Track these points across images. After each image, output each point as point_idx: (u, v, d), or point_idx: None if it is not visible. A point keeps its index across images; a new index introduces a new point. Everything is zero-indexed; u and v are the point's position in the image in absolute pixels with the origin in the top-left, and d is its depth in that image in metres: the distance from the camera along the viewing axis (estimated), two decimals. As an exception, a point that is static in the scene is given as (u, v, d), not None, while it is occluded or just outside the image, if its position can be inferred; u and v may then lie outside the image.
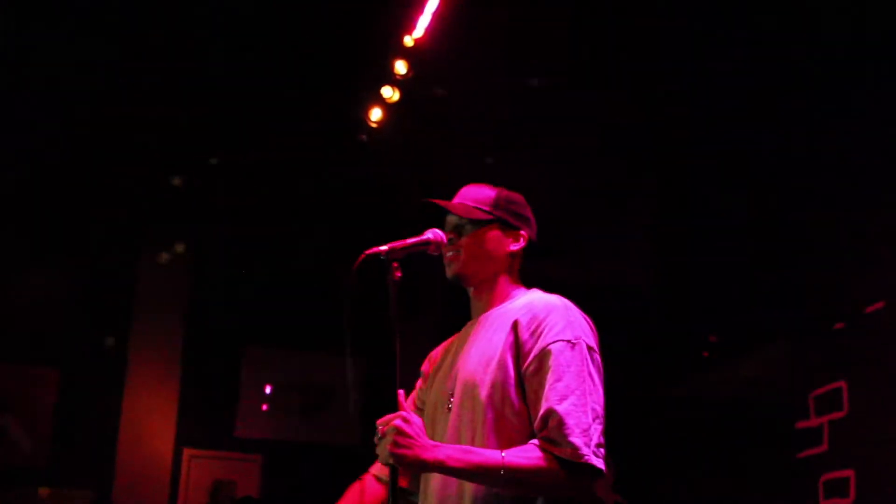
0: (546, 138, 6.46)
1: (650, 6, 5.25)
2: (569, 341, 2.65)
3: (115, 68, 6.24)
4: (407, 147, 6.65)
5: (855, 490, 5.55)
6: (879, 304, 5.52)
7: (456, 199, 3.00)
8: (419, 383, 3.15)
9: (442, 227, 2.95)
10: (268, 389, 8.94)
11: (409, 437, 2.51)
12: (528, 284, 2.99)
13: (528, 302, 2.79)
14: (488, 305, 2.92)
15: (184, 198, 8.01)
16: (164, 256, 8.75)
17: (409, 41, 5.69)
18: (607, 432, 2.63)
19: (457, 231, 2.92)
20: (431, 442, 2.57)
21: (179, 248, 8.73)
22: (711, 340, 7.53)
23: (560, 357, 2.62)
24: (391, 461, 2.53)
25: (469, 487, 2.63)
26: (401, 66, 5.92)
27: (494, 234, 2.93)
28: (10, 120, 6.70)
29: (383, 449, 2.54)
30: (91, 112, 6.70)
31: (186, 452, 8.57)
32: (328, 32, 5.71)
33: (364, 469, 3.17)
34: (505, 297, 2.90)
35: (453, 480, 2.65)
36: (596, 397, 2.61)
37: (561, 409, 2.54)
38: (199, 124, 6.80)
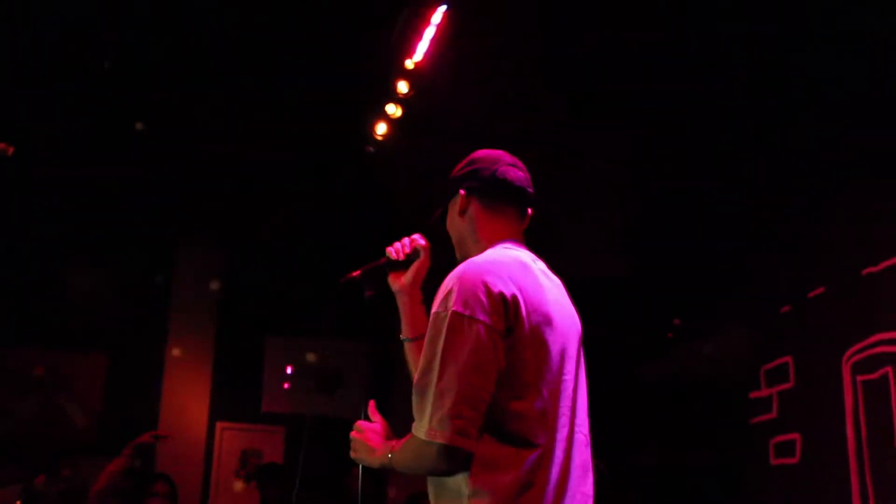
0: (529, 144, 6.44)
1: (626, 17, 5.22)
2: (439, 311, 2.26)
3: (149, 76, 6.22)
4: (409, 157, 6.65)
5: (800, 451, 5.57)
6: (820, 290, 5.54)
7: None
8: None
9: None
10: (289, 370, 8.95)
11: (360, 442, 2.56)
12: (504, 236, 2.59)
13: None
14: None
15: (214, 202, 8.02)
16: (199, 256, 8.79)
17: (409, 64, 5.70)
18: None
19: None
20: (378, 444, 2.51)
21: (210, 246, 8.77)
22: (675, 324, 7.53)
23: (429, 330, 2.28)
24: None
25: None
26: (403, 86, 5.92)
27: (449, 215, 2.68)
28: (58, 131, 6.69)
29: None
30: (132, 126, 6.69)
31: (219, 425, 8.60)
32: (338, 55, 5.71)
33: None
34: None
35: None
36: (455, 366, 2.17)
37: (414, 386, 2.29)
38: (224, 133, 6.78)
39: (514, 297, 2.26)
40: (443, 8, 5.20)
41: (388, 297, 2.83)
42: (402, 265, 2.81)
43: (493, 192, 2.59)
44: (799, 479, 5.55)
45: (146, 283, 8.65)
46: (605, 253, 7.40)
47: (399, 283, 2.81)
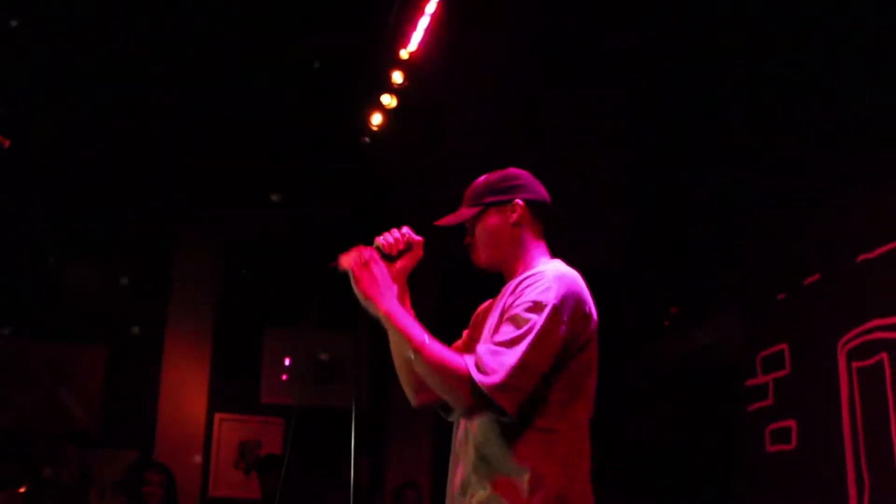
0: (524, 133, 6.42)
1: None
2: (534, 302, 2.47)
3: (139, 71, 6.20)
4: (405, 147, 6.63)
5: (796, 437, 5.56)
6: (816, 277, 5.52)
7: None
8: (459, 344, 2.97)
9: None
10: (287, 362, 8.93)
11: (373, 275, 2.62)
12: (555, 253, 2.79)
13: (535, 270, 2.62)
14: (511, 277, 2.73)
15: (213, 194, 8.01)
16: (198, 248, 8.77)
17: (404, 54, 5.67)
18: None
19: (468, 231, 2.83)
20: (390, 290, 2.61)
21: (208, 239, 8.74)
22: (672, 311, 7.52)
23: (521, 313, 2.47)
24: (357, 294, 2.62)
25: (472, 437, 2.56)
26: (398, 76, 5.89)
27: (491, 219, 2.76)
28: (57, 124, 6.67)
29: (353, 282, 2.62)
30: (129, 119, 6.67)
31: (217, 416, 8.58)
32: (333, 46, 5.68)
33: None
34: (526, 267, 2.70)
35: (463, 430, 2.63)
36: (535, 351, 2.42)
37: (493, 344, 2.45)
38: (223, 124, 6.76)
39: (588, 315, 2.56)
40: (436, -2, 5.18)
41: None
42: (390, 257, 2.80)
43: (541, 208, 2.80)
44: (795, 465, 5.54)
45: (145, 275, 8.63)
46: (602, 243, 7.39)
47: (391, 273, 2.77)
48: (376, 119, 6.33)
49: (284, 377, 8.86)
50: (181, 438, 8.27)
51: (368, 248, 2.71)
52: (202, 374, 8.59)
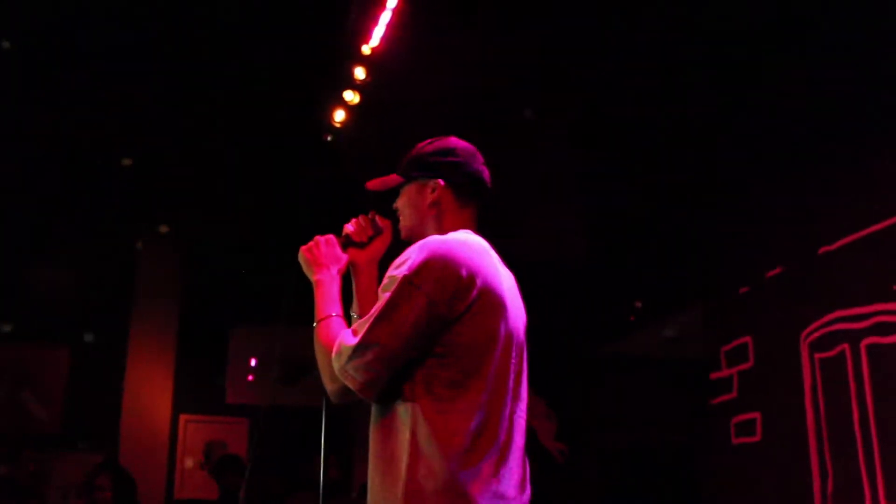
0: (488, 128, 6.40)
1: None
2: (389, 277, 2.36)
3: (110, 70, 6.13)
4: (368, 144, 6.59)
5: (761, 429, 5.58)
6: (778, 270, 5.54)
7: None
8: None
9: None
10: (253, 362, 8.88)
11: (319, 250, 2.68)
12: (472, 226, 2.64)
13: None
14: None
15: (175, 195, 7.94)
16: (161, 246, 8.69)
17: (366, 50, 5.63)
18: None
19: (396, 200, 2.77)
20: (330, 266, 2.67)
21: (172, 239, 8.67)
22: (636, 306, 7.53)
23: (378, 291, 2.41)
24: (299, 256, 2.70)
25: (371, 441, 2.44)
26: (360, 72, 5.85)
27: (411, 193, 2.68)
28: (18, 126, 6.58)
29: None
30: (89, 115, 6.59)
31: (182, 418, 8.54)
32: (294, 42, 5.64)
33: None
34: None
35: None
36: (381, 327, 2.28)
37: (361, 320, 2.37)
38: (184, 124, 6.70)
39: (470, 280, 2.33)
40: (398, -9, 5.14)
41: (345, 277, 2.78)
42: (361, 244, 2.79)
43: (467, 188, 2.66)
44: (760, 457, 5.56)
45: (108, 275, 8.55)
46: (564, 237, 7.39)
47: (359, 259, 2.78)
48: (339, 116, 6.28)
49: (251, 378, 8.81)
50: (146, 440, 8.20)
51: (330, 235, 2.72)
52: (167, 374, 8.52)
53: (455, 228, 2.59)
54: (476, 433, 2.27)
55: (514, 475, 2.34)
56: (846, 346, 4.81)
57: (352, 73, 5.86)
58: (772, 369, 5.56)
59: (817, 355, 5.08)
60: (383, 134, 6.61)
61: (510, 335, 2.44)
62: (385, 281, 2.38)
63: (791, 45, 5.29)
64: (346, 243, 2.76)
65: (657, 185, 6.49)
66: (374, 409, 2.43)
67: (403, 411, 2.31)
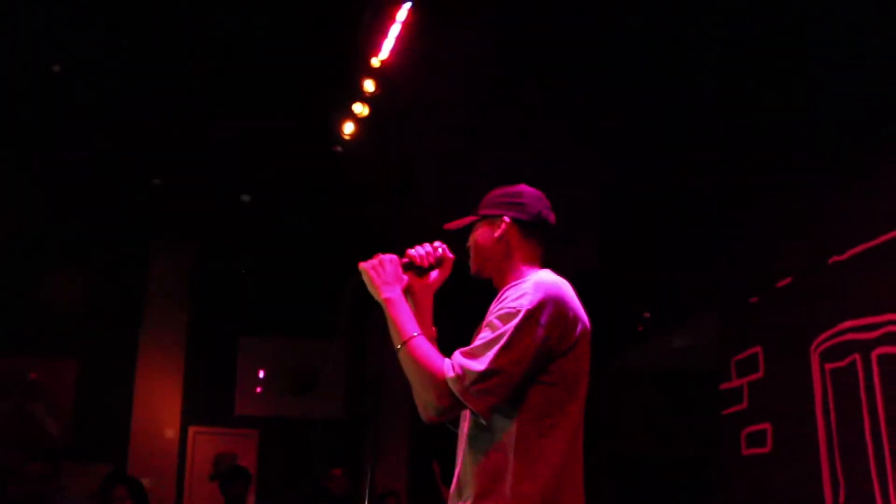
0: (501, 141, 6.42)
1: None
2: (510, 309, 2.53)
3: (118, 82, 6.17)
4: (378, 155, 6.62)
5: (772, 440, 5.58)
6: (788, 280, 5.55)
7: None
8: None
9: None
10: (261, 373, 8.89)
11: (383, 269, 2.73)
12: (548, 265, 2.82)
13: (518, 282, 2.67)
14: (499, 289, 2.74)
15: (186, 207, 7.97)
16: (170, 259, 8.73)
17: (375, 62, 5.66)
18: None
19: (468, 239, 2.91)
20: (395, 284, 2.73)
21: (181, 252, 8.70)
22: (645, 317, 7.53)
23: (496, 320, 2.54)
24: (360, 276, 2.75)
25: (466, 439, 2.64)
26: (369, 85, 5.88)
27: (481, 230, 2.84)
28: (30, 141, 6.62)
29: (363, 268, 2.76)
30: (102, 131, 6.63)
31: (192, 430, 8.54)
32: (305, 55, 5.67)
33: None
34: (512, 279, 2.72)
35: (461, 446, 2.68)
36: (505, 355, 2.47)
37: (471, 347, 2.53)
38: (195, 136, 6.73)
39: (575, 321, 2.59)
40: (408, 4, 5.17)
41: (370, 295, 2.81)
42: (420, 270, 2.86)
43: (533, 228, 2.83)
44: (771, 468, 5.56)
45: (117, 288, 8.57)
46: (574, 247, 7.40)
47: (416, 285, 2.88)
48: (348, 128, 6.31)
49: (259, 389, 8.82)
50: (155, 452, 8.21)
51: (393, 255, 2.78)
52: (175, 386, 8.55)
53: (525, 263, 2.79)
54: (568, 454, 2.53)
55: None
56: (857, 355, 4.81)
57: (361, 86, 5.89)
58: (782, 380, 5.55)
59: (828, 365, 5.08)
60: (392, 145, 6.64)
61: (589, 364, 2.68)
62: (500, 312, 2.54)
63: (800, 54, 5.30)
64: (408, 266, 2.83)
65: (667, 195, 6.50)
66: (476, 426, 2.59)
67: (510, 431, 2.52)
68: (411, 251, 2.86)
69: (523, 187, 2.91)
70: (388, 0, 5.18)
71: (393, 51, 5.53)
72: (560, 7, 5.19)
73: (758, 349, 5.81)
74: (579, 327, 2.60)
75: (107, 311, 8.48)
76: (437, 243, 2.90)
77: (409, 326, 2.63)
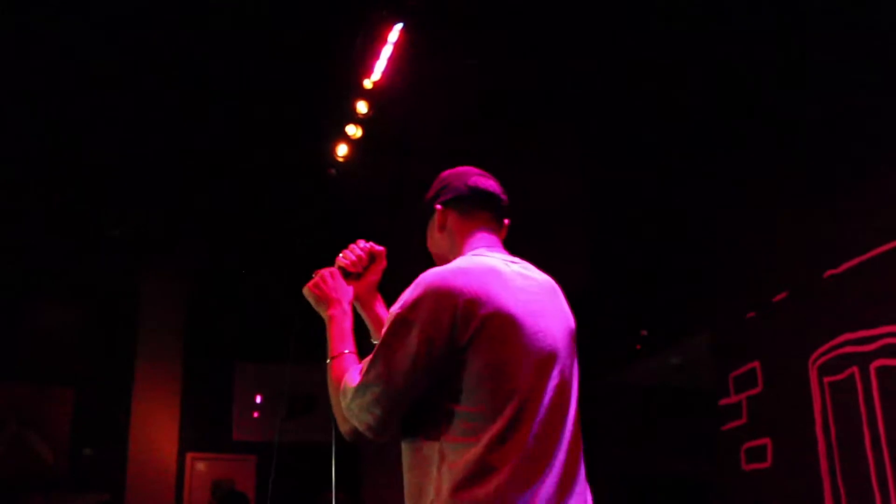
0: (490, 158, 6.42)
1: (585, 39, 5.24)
2: (391, 313, 2.29)
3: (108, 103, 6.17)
4: (372, 177, 6.63)
5: (772, 455, 5.56)
6: (784, 294, 5.55)
7: None
8: None
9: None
10: (258, 399, 8.86)
11: (327, 285, 2.64)
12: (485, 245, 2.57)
13: None
14: None
15: (179, 235, 7.97)
16: (165, 286, 8.71)
17: (368, 84, 5.67)
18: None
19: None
20: (342, 299, 2.62)
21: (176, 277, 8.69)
22: (643, 334, 7.52)
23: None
24: (305, 293, 2.65)
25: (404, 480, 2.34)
26: (362, 106, 5.89)
27: (429, 236, 2.67)
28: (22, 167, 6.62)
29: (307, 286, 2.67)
30: (92, 154, 6.63)
31: (189, 456, 8.50)
32: (297, 78, 5.68)
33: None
34: None
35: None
36: (379, 367, 2.23)
37: (366, 359, 2.30)
38: (189, 160, 6.74)
39: (468, 310, 2.22)
40: (399, 26, 5.18)
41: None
42: (357, 275, 2.78)
43: (467, 201, 2.59)
44: (771, 483, 5.54)
45: (111, 315, 8.55)
46: (570, 265, 7.40)
47: (359, 289, 2.77)
48: (342, 150, 6.32)
49: (256, 414, 8.79)
50: (152, 479, 8.17)
51: (329, 268, 2.70)
52: (172, 413, 8.51)
53: (471, 245, 2.55)
54: (504, 466, 2.14)
55: (562, 496, 2.21)
56: (855, 368, 4.80)
57: (354, 107, 5.90)
58: (781, 394, 5.54)
59: (826, 379, 5.07)
60: (386, 166, 6.65)
61: (542, 352, 2.31)
62: (387, 318, 2.31)
63: (794, 70, 5.32)
64: (346, 275, 2.74)
65: (662, 211, 6.51)
66: (403, 448, 2.33)
67: (429, 448, 2.22)
68: (341, 259, 2.74)
69: (444, 172, 2.69)
70: (380, 22, 5.20)
71: (385, 72, 5.54)
72: (551, 26, 5.21)
73: (756, 364, 5.80)
74: (478, 314, 2.20)
75: (102, 339, 8.45)
76: (361, 242, 2.78)
77: (340, 344, 2.49)
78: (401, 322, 2.23)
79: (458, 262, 2.38)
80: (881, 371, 4.61)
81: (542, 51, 5.37)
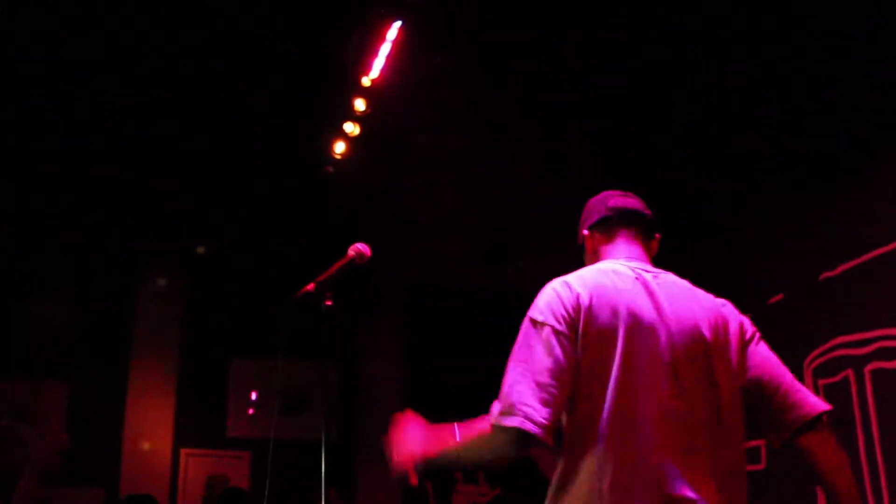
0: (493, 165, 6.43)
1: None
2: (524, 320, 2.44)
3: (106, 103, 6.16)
4: (369, 174, 6.61)
5: (765, 457, 5.56)
6: (780, 297, 5.55)
7: None
8: None
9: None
10: (253, 395, 8.84)
11: (407, 446, 2.57)
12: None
13: None
14: None
15: (177, 228, 7.95)
16: (161, 282, 8.69)
17: (366, 81, 5.66)
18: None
19: None
20: (421, 445, 2.55)
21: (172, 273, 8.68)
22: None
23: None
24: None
25: None
26: (360, 104, 5.88)
27: (585, 259, 2.82)
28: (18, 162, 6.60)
29: None
30: (89, 152, 6.62)
31: (183, 452, 8.48)
32: (295, 75, 5.67)
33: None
34: None
35: None
36: (526, 365, 2.32)
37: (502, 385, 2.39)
38: (185, 157, 6.72)
39: (578, 303, 2.38)
40: (398, 24, 5.17)
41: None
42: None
43: (610, 221, 2.79)
44: (765, 484, 5.53)
45: (107, 310, 8.53)
46: (567, 268, 7.39)
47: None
48: (339, 147, 6.30)
49: (251, 411, 8.77)
50: (147, 474, 8.14)
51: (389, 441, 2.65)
52: (167, 408, 8.49)
53: (610, 258, 2.71)
54: (609, 438, 2.29)
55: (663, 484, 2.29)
56: (850, 371, 4.80)
57: (352, 105, 5.89)
58: (775, 396, 5.53)
59: (821, 381, 5.07)
60: (383, 165, 6.64)
61: (654, 350, 2.42)
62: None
63: (785, 72, 5.32)
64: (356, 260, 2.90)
65: (656, 213, 6.49)
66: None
67: (563, 439, 2.36)
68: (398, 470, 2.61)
69: (590, 201, 2.90)
70: (379, 19, 5.18)
71: (383, 70, 5.53)
72: (550, 26, 5.20)
73: (751, 366, 5.79)
74: (586, 312, 2.37)
75: (97, 334, 8.42)
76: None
77: (448, 450, 2.52)
78: (529, 324, 2.40)
79: (580, 270, 2.55)
80: (876, 374, 4.60)
81: (541, 51, 5.36)
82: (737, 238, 6.03)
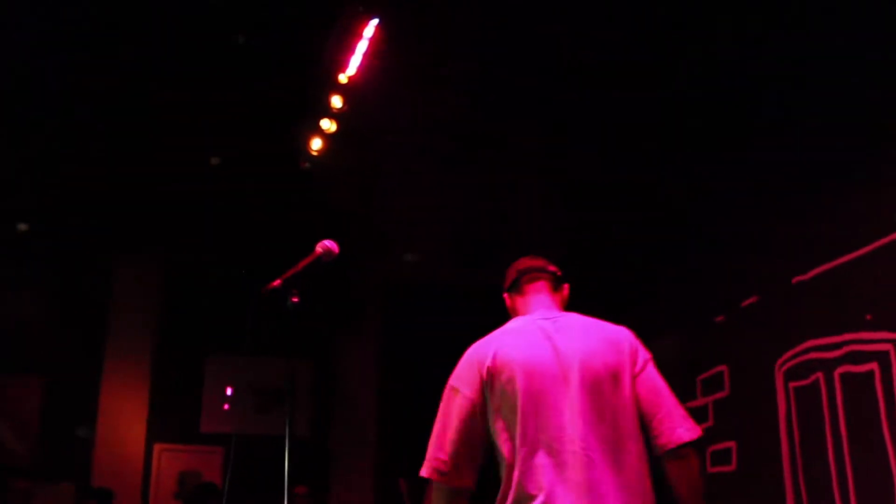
0: (466, 166, 6.40)
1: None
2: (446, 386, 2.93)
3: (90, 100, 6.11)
4: (346, 172, 6.58)
5: (736, 458, 5.57)
6: (753, 299, 5.56)
7: None
8: None
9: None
10: (228, 391, 8.81)
11: None
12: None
13: None
14: None
15: (152, 224, 7.90)
16: (136, 277, 8.64)
17: (343, 78, 5.62)
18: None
19: None
20: None
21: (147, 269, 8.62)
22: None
23: None
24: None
25: None
26: (337, 101, 5.84)
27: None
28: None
29: None
30: (65, 146, 6.56)
31: (157, 447, 8.45)
32: (272, 72, 5.63)
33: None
34: None
35: None
36: (441, 426, 2.85)
37: None
38: (161, 153, 6.67)
39: (486, 367, 2.83)
40: (374, 21, 5.14)
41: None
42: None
43: (518, 282, 3.20)
44: (735, 486, 5.55)
45: (82, 304, 8.48)
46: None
47: None
48: (316, 144, 6.27)
49: (226, 407, 8.74)
50: (119, 469, 8.11)
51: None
52: (141, 403, 8.45)
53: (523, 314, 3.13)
54: (517, 457, 2.74)
55: None
56: (820, 374, 4.81)
57: (329, 102, 5.85)
58: (747, 398, 5.56)
59: (792, 384, 5.08)
60: (360, 161, 6.60)
61: (541, 389, 2.80)
62: None
63: (762, 78, 5.32)
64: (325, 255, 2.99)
65: (631, 216, 6.50)
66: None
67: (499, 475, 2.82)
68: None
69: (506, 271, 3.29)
70: (355, 15, 5.15)
71: (360, 67, 5.50)
72: (533, 28, 5.18)
73: (723, 368, 5.81)
74: (493, 374, 2.81)
75: (72, 328, 8.37)
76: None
77: None
78: (448, 389, 2.89)
79: (486, 337, 2.96)
80: (845, 377, 4.62)
81: (522, 45, 5.33)
82: (710, 241, 6.04)
